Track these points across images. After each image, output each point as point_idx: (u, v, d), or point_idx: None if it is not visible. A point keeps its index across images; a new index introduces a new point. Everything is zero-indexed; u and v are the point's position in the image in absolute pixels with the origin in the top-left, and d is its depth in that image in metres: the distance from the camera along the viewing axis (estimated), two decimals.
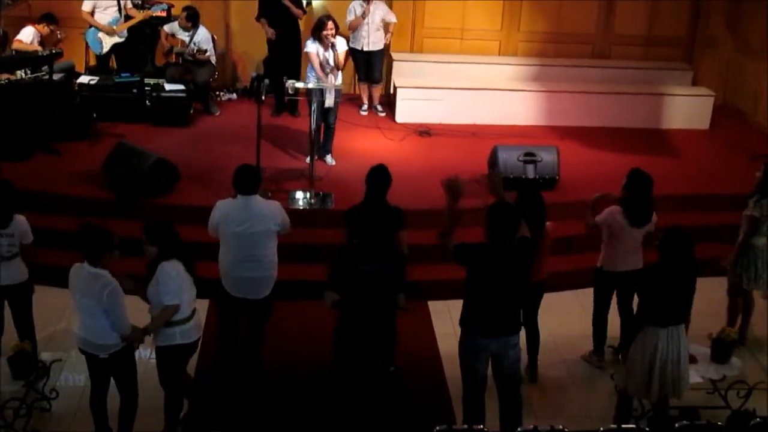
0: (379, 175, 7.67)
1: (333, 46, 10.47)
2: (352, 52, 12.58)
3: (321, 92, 10.20)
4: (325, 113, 10.60)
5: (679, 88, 13.45)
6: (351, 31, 12.45)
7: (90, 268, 6.33)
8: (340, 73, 10.71)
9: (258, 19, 12.22)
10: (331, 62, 10.46)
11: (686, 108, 13.15)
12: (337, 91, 10.58)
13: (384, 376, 7.55)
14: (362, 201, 7.57)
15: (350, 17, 12.39)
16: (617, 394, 7.48)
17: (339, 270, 6.67)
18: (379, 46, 12.58)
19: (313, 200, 9.99)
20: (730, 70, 13.93)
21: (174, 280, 6.49)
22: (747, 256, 8.38)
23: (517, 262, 6.58)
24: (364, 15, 12.26)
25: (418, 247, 9.38)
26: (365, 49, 12.44)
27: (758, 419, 6.13)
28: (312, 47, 10.59)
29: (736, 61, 13.84)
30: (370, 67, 12.62)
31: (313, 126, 10.26)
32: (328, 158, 10.95)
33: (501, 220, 6.53)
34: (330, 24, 10.43)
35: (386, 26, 12.58)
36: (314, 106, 10.13)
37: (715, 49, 14.08)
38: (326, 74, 10.49)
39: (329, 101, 10.38)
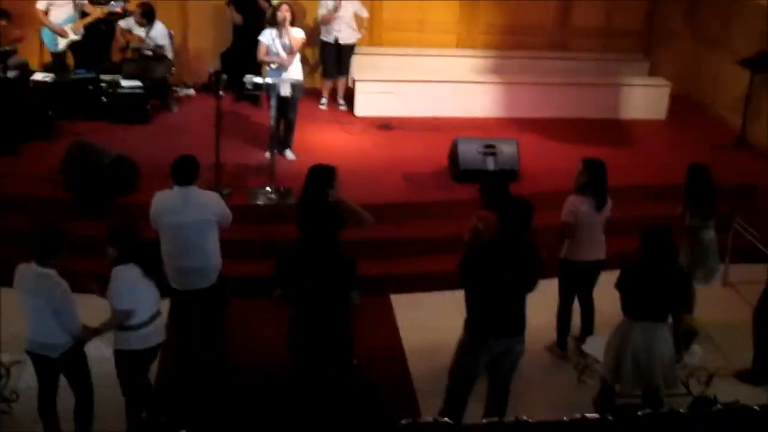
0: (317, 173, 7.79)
1: (287, 29, 10.37)
2: (322, 47, 12.59)
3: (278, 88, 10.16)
4: (284, 108, 10.56)
5: (637, 78, 13.58)
6: (323, 25, 12.47)
7: (38, 268, 6.26)
8: (299, 65, 10.65)
9: (228, 4, 12.22)
10: (287, 46, 10.37)
11: (643, 98, 13.28)
12: (298, 86, 10.53)
13: (346, 370, 7.54)
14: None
15: (322, 11, 12.38)
16: (599, 383, 7.54)
17: (282, 278, 6.64)
18: (351, 40, 12.60)
19: (273, 195, 9.96)
20: (687, 61, 14.07)
21: (126, 285, 6.44)
22: (697, 252, 8.47)
23: (526, 262, 6.61)
24: (336, 9, 12.25)
25: (380, 241, 9.44)
26: (338, 42, 12.47)
27: (719, 405, 6.20)
28: (264, 36, 10.56)
29: (694, 51, 13.97)
30: (339, 60, 12.64)
31: (272, 122, 10.22)
32: (288, 153, 10.92)
33: (515, 215, 6.55)
34: (285, 6, 10.38)
35: (359, 21, 12.57)
36: (273, 101, 10.09)
37: (672, 40, 14.21)
38: (278, 62, 10.39)
39: (285, 90, 10.28)
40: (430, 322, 8.80)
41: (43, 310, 6.25)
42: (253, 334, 8.45)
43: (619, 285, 7.03)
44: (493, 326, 6.65)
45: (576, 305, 8.50)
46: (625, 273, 7.02)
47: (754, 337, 8.24)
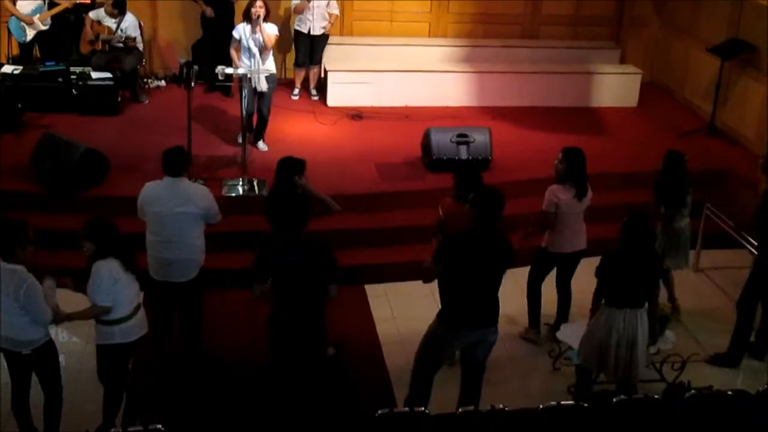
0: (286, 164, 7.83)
1: (261, 26, 10.32)
2: (296, 35, 12.56)
3: (250, 80, 10.12)
4: (258, 101, 10.53)
5: (607, 66, 13.62)
6: (296, 14, 12.45)
7: (4, 264, 6.18)
8: (271, 58, 10.62)
9: None
10: (260, 42, 10.35)
11: (614, 86, 13.32)
12: (271, 78, 10.49)
13: (322, 361, 7.55)
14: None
15: (295, 1, 12.35)
16: (576, 370, 7.57)
17: (265, 261, 6.62)
18: (324, 30, 12.57)
19: (246, 187, 9.92)
20: (657, 48, 14.14)
21: (106, 280, 6.39)
22: (670, 238, 8.53)
23: (498, 252, 6.62)
24: None
25: (354, 231, 9.43)
26: (311, 33, 12.44)
27: (693, 391, 6.26)
28: (237, 31, 10.51)
29: (663, 39, 14.04)
30: (311, 50, 12.61)
31: (244, 112, 10.19)
32: (261, 144, 10.88)
33: (488, 206, 6.55)
34: (259, 3, 10.34)
35: (329, 15, 12.54)
36: (245, 92, 10.05)
37: (642, 27, 14.27)
38: (251, 57, 10.34)
39: (262, 85, 10.28)
40: (404, 311, 8.82)
41: (13, 306, 6.18)
42: (229, 327, 8.43)
43: (600, 273, 7.05)
44: (466, 317, 6.66)
45: (551, 292, 8.53)
46: (605, 261, 7.05)
47: (736, 322, 8.27)
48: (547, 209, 8.10)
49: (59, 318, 6.45)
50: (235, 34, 10.54)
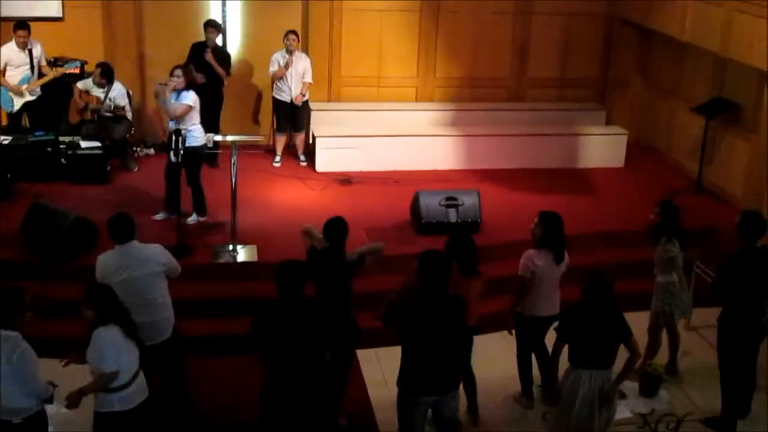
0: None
1: (174, 94, 10.20)
2: (275, 104, 12.62)
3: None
4: (186, 170, 10.30)
5: (594, 127, 13.74)
6: (274, 80, 12.56)
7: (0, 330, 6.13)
8: (196, 131, 10.34)
9: (186, 66, 12.22)
10: (171, 111, 10.19)
11: (601, 147, 13.42)
12: (193, 149, 10.25)
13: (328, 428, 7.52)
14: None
15: (273, 68, 12.48)
16: None
17: (261, 328, 6.61)
18: (304, 98, 12.65)
19: (236, 253, 9.91)
20: (642, 108, 14.28)
21: (110, 346, 6.35)
22: (668, 291, 8.54)
23: (450, 314, 6.57)
24: (287, 66, 12.32)
25: None
26: (293, 102, 12.55)
27: None
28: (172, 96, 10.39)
29: (648, 99, 14.19)
30: (294, 118, 12.72)
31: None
32: (192, 217, 10.65)
33: (434, 269, 6.52)
34: (176, 72, 10.24)
35: (303, 84, 12.64)
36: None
37: (626, 88, 14.44)
38: (174, 122, 10.21)
39: (171, 156, 10.07)
40: (394, 374, 8.74)
41: (4, 373, 6.11)
42: (218, 394, 8.35)
43: (561, 329, 7.05)
44: (420, 383, 6.61)
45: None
46: (565, 319, 7.04)
47: (721, 388, 8.25)
48: (522, 274, 8.08)
49: (73, 400, 6.35)
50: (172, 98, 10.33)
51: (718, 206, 11.91)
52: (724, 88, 12.26)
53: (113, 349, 6.37)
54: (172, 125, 10.24)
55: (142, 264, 7.30)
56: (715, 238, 11.05)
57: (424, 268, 6.55)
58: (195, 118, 10.38)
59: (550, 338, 8.27)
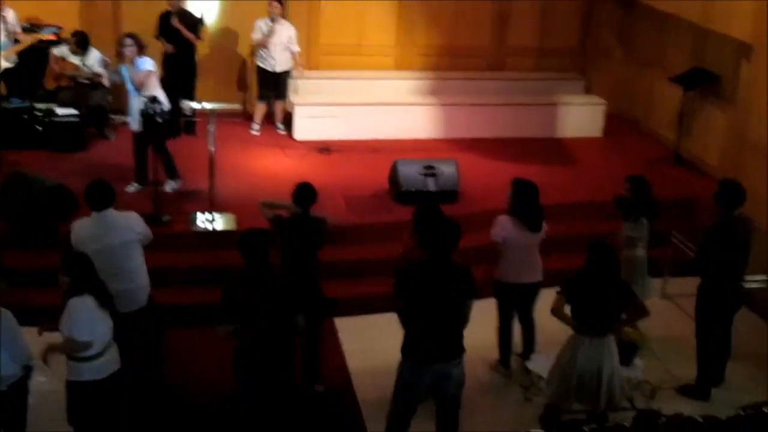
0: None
1: (131, 64, 10.07)
2: (259, 72, 12.57)
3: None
4: (154, 138, 10.20)
5: (572, 97, 13.75)
6: (257, 49, 12.53)
7: None
8: (160, 95, 10.25)
9: (157, 37, 12.13)
10: (135, 80, 10.09)
11: (579, 117, 13.45)
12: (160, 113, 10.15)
13: (300, 396, 7.54)
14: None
15: (256, 35, 12.42)
16: (545, 405, 7.59)
17: (230, 300, 6.59)
18: (287, 66, 12.63)
19: (213, 221, 9.89)
20: (621, 79, 14.28)
21: (83, 316, 6.33)
22: (631, 267, 8.56)
23: (456, 281, 6.58)
24: (270, 33, 12.27)
25: (323, 264, 9.38)
26: (275, 70, 12.52)
27: (663, 418, 6.27)
28: (121, 70, 10.31)
29: (627, 69, 14.19)
30: (276, 86, 12.68)
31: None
32: (169, 184, 10.64)
33: (442, 235, 6.53)
34: (126, 41, 10.09)
35: (293, 54, 12.62)
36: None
37: (606, 59, 14.44)
38: (131, 96, 10.17)
39: (134, 126, 10.14)
40: (375, 344, 8.79)
41: None
42: (197, 364, 8.37)
43: (564, 289, 7.10)
44: (426, 351, 6.61)
45: (517, 323, 8.54)
46: (569, 284, 7.09)
47: (697, 355, 8.34)
48: (492, 239, 8.14)
49: (43, 353, 6.34)
50: (120, 69, 10.34)
51: (695, 177, 11.96)
52: (704, 59, 12.28)
53: (86, 320, 6.35)
54: (132, 96, 10.17)
55: (119, 232, 7.29)
56: (692, 209, 11.12)
57: (429, 240, 6.55)
58: (156, 83, 10.31)
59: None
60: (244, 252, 6.66)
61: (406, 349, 6.67)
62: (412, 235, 7.71)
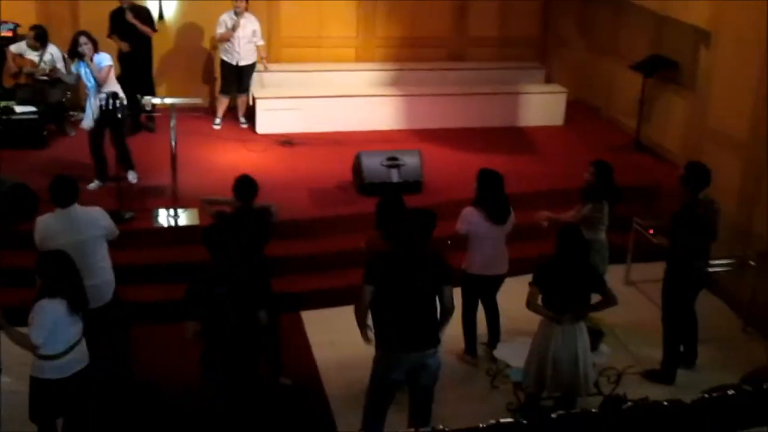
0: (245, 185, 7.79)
1: (90, 62, 10.02)
2: (222, 65, 12.52)
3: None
4: (112, 133, 10.27)
5: (534, 86, 13.83)
6: (221, 43, 12.47)
7: None
8: (117, 88, 10.28)
9: (109, 36, 12.02)
10: (92, 78, 10.07)
11: (541, 105, 13.52)
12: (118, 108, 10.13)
13: (268, 390, 7.54)
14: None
15: (220, 30, 12.38)
16: (521, 392, 7.65)
17: (195, 296, 6.56)
18: (251, 60, 12.60)
19: (177, 217, 9.86)
20: (581, 66, 14.38)
21: (47, 319, 6.25)
22: (594, 250, 8.61)
23: (425, 271, 6.59)
24: (234, 28, 12.22)
25: (288, 258, 9.40)
26: (239, 63, 12.48)
27: (629, 403, 6.32)
28: (75, 68, 10.26)
29: (587, 57, 14.28)
30: (240, 80, 12.64)
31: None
32: (131, 175, 10.67)
33: (405, 227, 6.54)
34: (82, 39, 10.05)
35: (258, 48, 12.61)
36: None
37: (566, 47, 14.53)
38: (90, 92, 10.14)
39: (85, 123, 10.15)
40: (341, 337, 8.80)
41: None
42: (163, 361, 8.33)
43: (536, 280, 7.14)
44: (401, 339, 6.63)
45: (481, 313, 8.59)
46: (540, 270, 7.14)
47: (663, 338, 8.43)
48: (457, 230, 8.20)
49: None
50: (74, 69, 10.29)
51: (656, 163, 12.07)
52: (663, 46, 12.38)
53: (49, 324, 6.27)
54: (92, 93, 10.11)
55: (84, 227, 7.27)
56: (653, 195, 11.22)
57: (393, 231, 6.56)
58: (114, 79, 10.31)
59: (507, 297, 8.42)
60: (208, 246, 6.64)
61: (380, 338, 6.69)
62: (375, 227, 7.73)
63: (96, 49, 10.08)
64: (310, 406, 7.86)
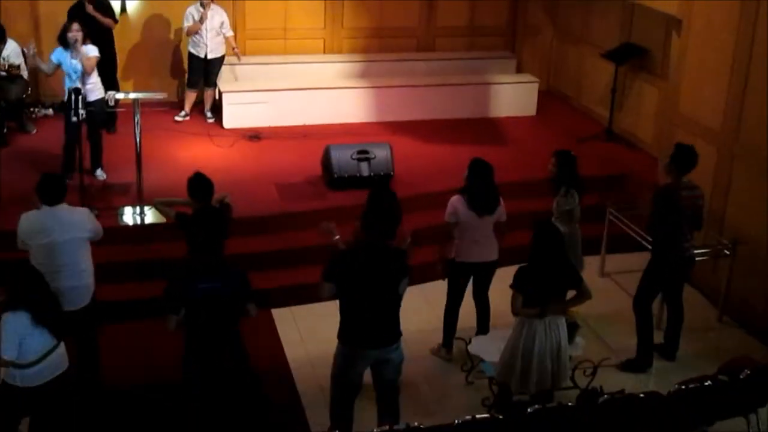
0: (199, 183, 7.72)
1: (79, 51, 10.02)
2: (190, 58, 12.43)
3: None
4: (87, 129, 10.23)
5: (504, 76, 13.81)
6: (189, 35, 12.38)
7: None
8: (98, 83, 10.33)
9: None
10: (79, 68, 10.05)
11: (512, 95, 13.50)
12: (98, 102, 10.23)
13: (240, 388, 7.46)
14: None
15: (187, 23, 12.28)
16: (496, 387, 7.62)
17: (176, 290, 6.48)
18: (219, 53, 12.51)
19: (142, 215, 9.75)
20: (552, 56, 14.39)
21: (11, 333, 6.15)
22: (569, 242, 8.60)
23: (391, 265, 6.55)
24: (201, 20, 12.13)
25: (257, 255, 9.34)
26: (208, 56, 12.39)
27: (606, 396, 6.33)
28: (54, 54, 10.24)
29: (558, 46, 14.31)
30: (207, 73, 12.54)
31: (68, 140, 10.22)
32: (98, 172, 10.60)
33: (376, 217, 6.48)
34: (75, 26, 10.07)
35: (226, 39, 12.53)
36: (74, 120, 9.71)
37: (536, 36, 14.53)
38: (72, 82, 10.05)
39: (73, 115, 9.87)
40: (313, 334, 8.77)
41: None
42: (128, 362, 8.25)
43: (517, 285, 7.11)
44: (363, 335, 6.60)
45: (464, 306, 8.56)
46: (521, 274, 7.11)
47: (636, 325, 8.44)
48: (447, 219, 8.19)
49: None
50: (53, 57, 10.26)
51: (628, 152, 12.09)
52: (633, 34, 12.40)
53: (15, 339, 6.16)
54: (70, 84, 10.01)
55: (69, 228, 7.24)
56: (626, 183, 11.24)
57: (369, 217, 6.49)
58: (96, 71, 10.31)
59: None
60: (188, 236, 6.60)
61: (342, 333, 6.66)
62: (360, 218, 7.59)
63: (85, 41, 10.11)
64: (282, 405, 7.80)
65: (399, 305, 6.71)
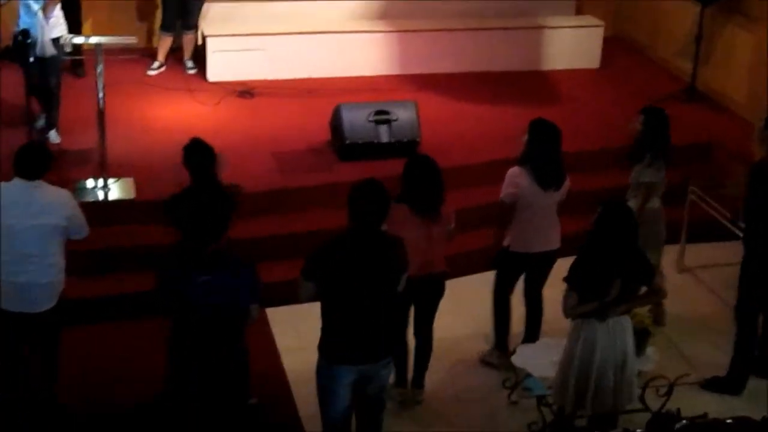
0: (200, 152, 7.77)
1: None
2: None
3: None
4: (42, 71, 10.23)
5: (560, 18, 13.78)
6: None
7: None
8: (61, 19, 10.35)
9: None
10: None
11: (570, 43, 13.51)
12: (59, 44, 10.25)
13: (239, 409, 7.53)
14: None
15: None
16: (547, 409, 7.65)
17: (167, 287, 6.54)
18: None
19: (107, 189, 9.81)
20: None
21: None
22: (647, 223, 8.59)
23: (384, 258, 6.56)
24: None
25: (249, 241, 9.36)
26: None
27: (684, 421, 6.33)
28: None
29: None
30: (185, 11, 12.54)
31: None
32: (53, 134, 10.67)
33: (366, 199, 6.49)
34: None
35: None
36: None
37: None
38: (32, 15, 10.07)
39: (47, 50, 10.06)
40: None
41: None
42: (90, 369, 8.33)
43: (573, 280, 7.09)
44: (347, 348, 6.59)
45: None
46: (580, 264, 7.08)
47: (736, 335, 8.39)
48: (503, 199, 8.15)
49: None
50: None
51: (716, 116, 12.07)
52: None
53: None
54: (28, 20, 10.06)
55: (43, 211, 7.22)
56: (712, 155, 11.21)
57: (355, 198, 6.49)
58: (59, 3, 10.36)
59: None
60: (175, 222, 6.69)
61: (324, 344, 6.67)
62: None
63: None
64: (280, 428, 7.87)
65: (395, 309, 6.74)
